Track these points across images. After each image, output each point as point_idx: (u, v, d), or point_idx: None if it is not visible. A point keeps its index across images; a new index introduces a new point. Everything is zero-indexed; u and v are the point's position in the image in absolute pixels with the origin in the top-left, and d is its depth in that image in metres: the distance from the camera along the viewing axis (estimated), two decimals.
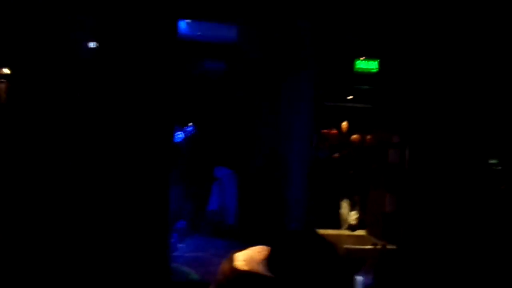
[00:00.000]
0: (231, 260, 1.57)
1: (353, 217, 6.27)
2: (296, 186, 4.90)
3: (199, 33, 5.29)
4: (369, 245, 5.64)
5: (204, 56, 5.36)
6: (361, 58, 5.40)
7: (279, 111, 5.03)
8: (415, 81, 5.32)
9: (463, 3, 4.64)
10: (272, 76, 5.08)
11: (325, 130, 7.70)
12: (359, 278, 2.28)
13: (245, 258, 1.54)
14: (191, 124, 4.48)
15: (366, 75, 5.44)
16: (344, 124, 7.14)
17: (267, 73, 5.10)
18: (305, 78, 4.99)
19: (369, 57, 5.37)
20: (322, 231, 6.10)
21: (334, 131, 7.65)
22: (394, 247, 5.56)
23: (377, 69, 5.39)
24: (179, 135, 4.49)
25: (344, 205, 6.30)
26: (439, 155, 5.36)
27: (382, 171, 5.83)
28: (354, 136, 6.40)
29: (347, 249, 5.49)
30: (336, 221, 6.42)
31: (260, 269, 1.52)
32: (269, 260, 1.52)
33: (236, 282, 1.40)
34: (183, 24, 5.35)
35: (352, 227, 6.25)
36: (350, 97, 6.25)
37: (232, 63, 5.26)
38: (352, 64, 5.41)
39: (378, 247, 5.66)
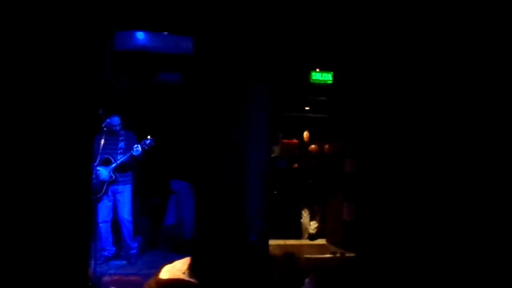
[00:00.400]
0: (157, 274, 1.59)
1: (312, 226, 6.32)
2: (254, 197, 4.87)
3: (154, 45, 5.23)
4: (328, 253, 5.71)
5: (161, 67, 5.29)
6: (317, 70, 5.50)
7: (235, 123, 5.02)
8: (367, 92, 5.48)
9: (416, 16, 4.83)
10: (227, 88, 5.08)
11: (285, 140, 7.80)
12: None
13: (169, 269, 1.59)
14: (149, 137, 4.39)
15: (322, 87, 5.55)
16: (305, 134, 7.23)
17: (223, 85, 5.09)
18: (261, 90, 5.02)
19: (324, 69, 5.48)
20: (282, 241, 6.13)
21: (295, 140, 7.75)
22: (352, 255, 5.65)
23: (331, 81, 5.50)
24: (137, 148, 4.40)
25: (305, 215, 6.35)
26: (391, 164, 5.52)
27: (339, 180, 5.93)
28: (312, 146, 6.49)
29: (306, 258, 5.53)
30: (298, 231, 6.45)
31: (183, 277, 1.53)
32: (192, 268, 1.55)
33: None
34: (140, 35, 5.28)
35: (312, 236, 6.30)
36: (307, 107, 6.34)
37: (188, 75, 5.22)
38: (308, 75, 5.50)
39: (337, 255, 5.73)
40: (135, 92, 5.17)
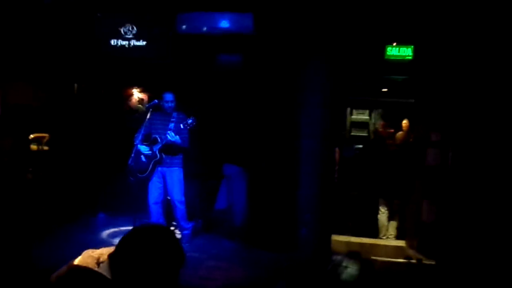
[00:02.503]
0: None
1: (392, 225, 5.55)
2: (306, 187, 4.45)
3: (216, 26, 5.11)
4: (402, 258, 4.94)
5: (222, 49, 5.16)
6: (393, 44, 4.73)
7: (292, 106, 4.63)
8: (460, 68, 4.49)
9: None
10: (286, 68, 4.70)
11: (380, 129, 6.99)
12: None
13: (89, 255, 1.43)
14: (192, 117, 4.29)
15: (399, 64, 4.75)
16: (405, 122, 6.35)
17: (281, 65, 4.73)
18: (321, 70, 4.51)
19: (402, 42, 4.68)
20: (346, 238, 5.53)
21: (390, 130, 6.88)
22: (431, 262, 4.79)
23: (411, 57, 4.67)
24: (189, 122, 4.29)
25: (382, 211, 5.61)
26: (490, 157, 4.46)
27: (419, 174, 5.05)
28: (399, 133, 5.64)
29: (374, 260, 4.87)
30: (375, 228, 5.75)
31: (97, 266, 1.38)
32: (110, 259, 1.38)
33: (65, 276, 1.35)
34: (203, 17, 5.22)
35: (389, 236, 5.55)
36: (385, 89, 5.52)
37: (246, 57, 4.97)
38: (382, 51, 4.76)
39: (413, 261, 4.93)
40: (194, 74, 5.15)
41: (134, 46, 5.25)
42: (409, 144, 5.58)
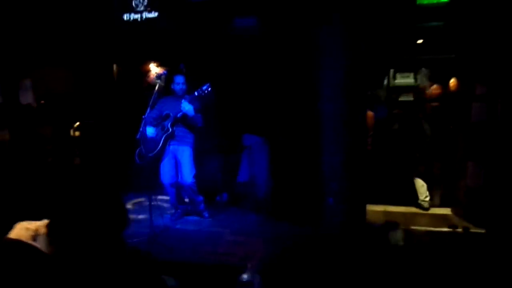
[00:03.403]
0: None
1: (435, 192, 5.03)
2: (331, 153, 4.09)
3: None
4: (446, 227, 4.46)
5: (233, 15, 4.81)
6: None
7: (312, 67, 4.23)
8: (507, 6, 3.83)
9: None
10: (304, 26, 4.28)
11: (422, 87, 6.37)
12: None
13: (23, 227, 1.30)
14: (207, 84, 4.01)
15: (434, 8, 4.16)
16: (452, 82, 5.68)
17: (298, 23, 4.32)
18: (341, 23, 4.05)
19: None
20: (392, 208, 5.10)
21: (437, 90, 6.25)
22: (481, 231, 4.28)
23: None
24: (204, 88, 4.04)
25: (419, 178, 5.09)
26: None
27: (463, 132, 4.47)
28: (434, 87, 5.04)
29: (414, 230, 4.44)
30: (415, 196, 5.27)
31: (32, 239, 1.25)
32: (48, 227, 1.25)
33: None
34: None
35: (428, 204, 5.05)
36: (420, 40, 4.90)
37: (260, 19, 4.59)
38: None
39: (459, 230, 4.44)
40: (209, 43, 4.87)
41: (147, 18, 5.07)
42: (451, 99, 4.98)
